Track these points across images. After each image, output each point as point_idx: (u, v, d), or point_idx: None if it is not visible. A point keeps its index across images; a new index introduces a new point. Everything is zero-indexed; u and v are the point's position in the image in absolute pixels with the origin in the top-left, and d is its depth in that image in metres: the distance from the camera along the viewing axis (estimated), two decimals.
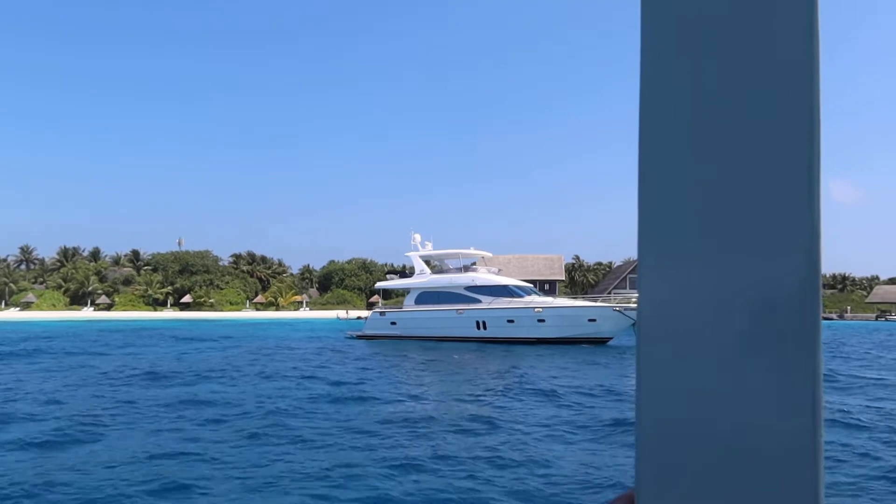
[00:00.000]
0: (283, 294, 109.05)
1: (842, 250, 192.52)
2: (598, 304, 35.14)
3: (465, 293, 37.24)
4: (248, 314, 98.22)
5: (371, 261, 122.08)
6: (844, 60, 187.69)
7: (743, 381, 0.46)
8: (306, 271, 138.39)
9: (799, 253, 0.45)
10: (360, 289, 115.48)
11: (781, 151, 0.47)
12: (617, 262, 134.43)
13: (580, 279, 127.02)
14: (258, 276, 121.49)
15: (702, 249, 0.48)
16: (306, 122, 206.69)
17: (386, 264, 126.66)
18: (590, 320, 34.06)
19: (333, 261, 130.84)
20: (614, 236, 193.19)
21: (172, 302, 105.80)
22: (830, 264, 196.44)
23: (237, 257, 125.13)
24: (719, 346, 0.47)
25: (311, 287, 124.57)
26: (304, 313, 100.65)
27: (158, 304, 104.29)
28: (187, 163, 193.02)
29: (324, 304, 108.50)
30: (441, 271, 40.65)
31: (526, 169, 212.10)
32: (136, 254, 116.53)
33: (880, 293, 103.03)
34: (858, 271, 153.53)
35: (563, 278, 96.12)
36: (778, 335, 0.45)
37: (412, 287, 39.77)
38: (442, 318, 37.30)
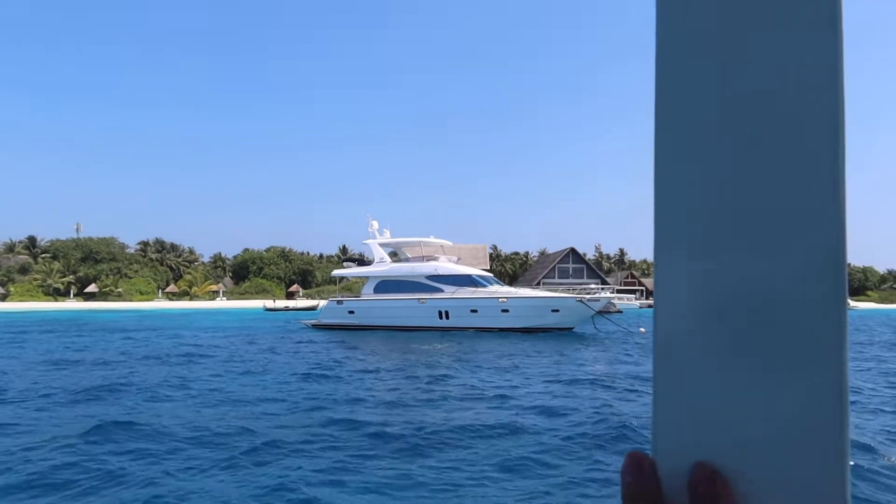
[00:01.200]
0: (198, 283, 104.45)
1: None
2: (561, 294, 35.62)
3: (426, 282, 36.80)
4: (161, 304, 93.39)
5: (290, 249, 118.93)
6: None
7: (766, 379, 0.45)
8: (218, 259, 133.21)
9: (824, 251, 0.45)
10: (279, 278, 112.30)
11: (805, 148, 0.46)
12: (532, 252, 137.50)
13: (497, 268, 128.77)
14: (168, 265, 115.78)
15: (721, 248, 0.47)
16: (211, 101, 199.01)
17: (303, 253, 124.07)
18: (553, 311, 34.51)
19: (248, 249, 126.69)
20: (522, 227, 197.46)
21: (76, 292, 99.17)
22: None
23: (145, 244, 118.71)
24: (739, 345, 0.46)
25: (225, 276, 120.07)
26: (221, 303, 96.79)
27: (60, 294, 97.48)
28: (84, 144, 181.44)
29: (242, 294, 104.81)
30: (398, 260, 40.04)
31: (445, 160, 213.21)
32: (32, 240, 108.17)
33: None
34: None
35: (488, 268, 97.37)
36: (802, 333, 0.45)
37: (371, 275, 38.87)
38: (403, 308, 36.75)
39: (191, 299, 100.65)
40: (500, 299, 35.04)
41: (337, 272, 42.65)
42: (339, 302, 39.41)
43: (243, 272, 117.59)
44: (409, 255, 40.22)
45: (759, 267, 0.46)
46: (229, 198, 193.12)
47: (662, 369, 0.47)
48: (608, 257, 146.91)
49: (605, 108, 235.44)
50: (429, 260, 38.01)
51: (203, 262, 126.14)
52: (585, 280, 79.69)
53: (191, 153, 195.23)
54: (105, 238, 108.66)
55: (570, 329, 34.99)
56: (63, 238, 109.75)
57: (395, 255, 42.40)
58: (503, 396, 12.73)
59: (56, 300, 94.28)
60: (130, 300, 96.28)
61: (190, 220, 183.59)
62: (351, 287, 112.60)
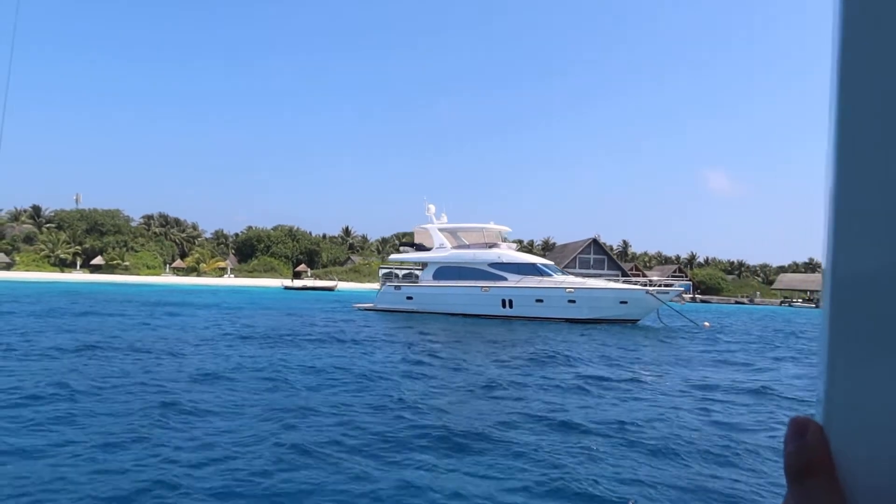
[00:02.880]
0: (206, 260, 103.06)
1: (726, 238, 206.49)
2: (630, 286, 35.14)
3: (489, 270, 36.23)
4: (171, 279, 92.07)
5: (297, 228, 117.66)
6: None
7: None
8: (221, 236, 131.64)
9: None
10: (286, 257, 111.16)
11: None
12: (537, 241, 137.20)
13: None
14: (172, 240, 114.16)
15: None
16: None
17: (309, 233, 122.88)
18: (621, 302, 34.12)
19: (252, 227, 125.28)
20: (520, 215, 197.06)
21: (81, 263, 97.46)
22: (727, 252, 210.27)
23: (148, 218, 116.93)
24: None
25: (229, 253, 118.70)
26: (231, 280, 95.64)
27: (66, 265, 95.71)
28: (85, 114, 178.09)
29: (251, 272, 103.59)
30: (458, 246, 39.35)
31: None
32: (36, 209, 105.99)
33: (785, 280, 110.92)
34: (751, 259, 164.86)
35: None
36: None
37: (430, 261, 38.22)
38: (465, 295, 36.18)
39: (198, 275, 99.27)
40: (568, 289, 34.56)
41: (395, 257, 41.89)
42: (396, 287, 38.76)
43: (248, 250, 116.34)
44: (466, 241, 39.56)
45: None
46: (224, 173, 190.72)
47: (840, 365, 0.46)
48: (610, 248, 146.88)
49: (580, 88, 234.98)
50: (490, 247, 37.38)
51: (206, 239, 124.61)
52: (606, 271, 79.63)
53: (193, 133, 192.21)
54: (110, 210, 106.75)
55: (636, 321, 34.64)
56: (65, 209, 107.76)
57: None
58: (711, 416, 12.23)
59: (62, 271, 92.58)
60: (137, 274, 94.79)
61: (185, 194, 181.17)
62: (359, 269, 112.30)
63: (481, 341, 22.59)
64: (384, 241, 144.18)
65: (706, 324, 35.07)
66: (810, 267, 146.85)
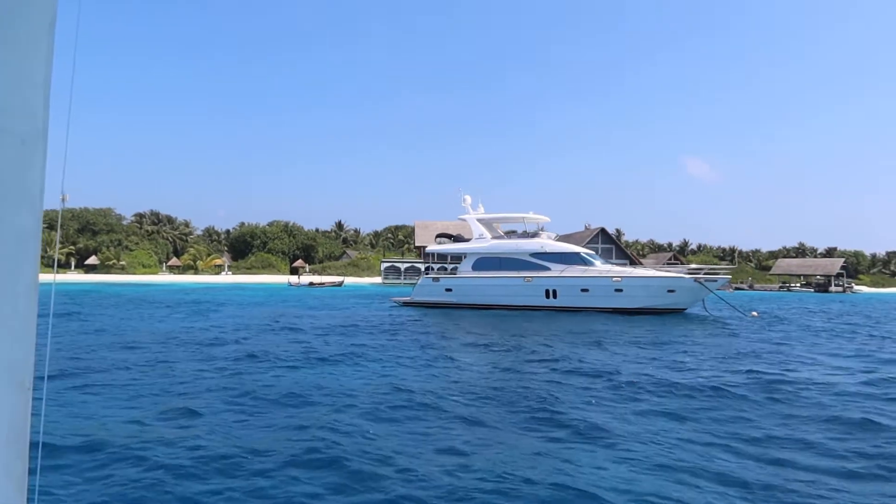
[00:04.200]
0: (202, 257, 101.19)
1: (713, 224, 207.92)
2: (678, 274, 34.56)
3: (531, 260, 35.52)
4: (169, 278, 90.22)
5: (293, 223, 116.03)
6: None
7: None
8: (213, 233, 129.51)
9: None
10: (283, 252, 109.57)
11: None
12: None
13: None
14: (165, 238, 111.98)
15: None
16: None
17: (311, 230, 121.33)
18: (669, 291, 33.58)
19: (244, 223, 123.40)
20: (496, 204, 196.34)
21: (76, 263, 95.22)
22: (717, 238, 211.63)
23: (140, 217, 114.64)
24: None
25: (223, 250, 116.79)
26: (230, 277, 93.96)
27: (60, 265, 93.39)
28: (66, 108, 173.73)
29: (248, 269, 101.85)
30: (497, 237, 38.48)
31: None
32: None
33: (783, 266, 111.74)
34: (744, 244, 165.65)
35: None
36: None
37: (469, 252, 37.39)
38: (507, 286, 35.44)
39: (195, 273, 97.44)
40: (614, 279, 33.96)
41: (432, 248, 40.91)
42: (434, 279, 37.89)
43: (242, 246, 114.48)
44: (501, 232, 38.76)
45: None
46: (206, 169, 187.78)
47: None
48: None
49: (569, 82, 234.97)
50: (531, 236, 36.66)
51: (198, 236, 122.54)
52: (615, 261, 79.10)
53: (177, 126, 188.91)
54: (101, 209, 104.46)
55: (682, 310, 34.14)
56: (55, 209, 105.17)
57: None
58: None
59: (58, 272, 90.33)
60: (134, 273, 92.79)
61: (171, 190, 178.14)
62: (357, 263, 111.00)
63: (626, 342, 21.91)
64: (377, 234, 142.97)
65: (754, 313, 34.63)
66: (801, 252, 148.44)
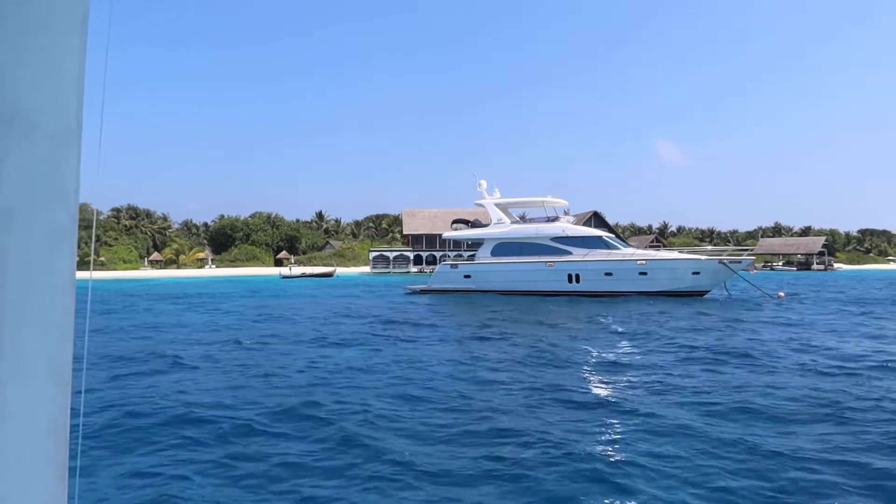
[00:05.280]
0: (185, 251, 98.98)
1: (688, 206, 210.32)
2: (703, 256, 34.31)
3: (552, 244, 34.99)
4: (152, 273, 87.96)
5: (277, 215, 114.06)
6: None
7: None
8: (191, 226, 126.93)
9: None
10: (266, 244, 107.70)
11: None
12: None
13: None
14: (143, 232, 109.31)
15: None
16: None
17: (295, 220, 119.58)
18: (694, 273, 33.32)
19: (224, 215, 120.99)
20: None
21: None
22: (694, 219, 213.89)
23: (117, 211, 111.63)
24: None
25: (204, 244, 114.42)
26: (211, 271, 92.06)
27: None
28: None
29: (232, 262, 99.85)
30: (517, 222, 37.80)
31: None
32: None
33: (765, 245, 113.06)
34: (721, 225, 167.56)
35: None
36: None
37: (487, 237, 36.71)
38: (528, 271, 34.87)
39: (178, 267, 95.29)
40: (639, 262, 33.61)
41: (449, 234, 40.06)
42: (453, 266, 37.20)
43: (222, 239, 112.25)
44: (516, 217, 38.10)
45: None
46: (180, 161, 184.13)
47: None
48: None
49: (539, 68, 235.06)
50: (550, 221, 36.09)
51: (176, 229, 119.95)
52: None
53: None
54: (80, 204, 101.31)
55: (705, 293, 33.90)
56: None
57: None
58: None
59: None
60: (115, 269, 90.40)
61: (143, 183, 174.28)
62: (343, 252, 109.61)
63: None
64: (358, 224, 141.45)
65: (781, 294, 34.56)
66: (777, 231, 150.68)
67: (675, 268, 33.34)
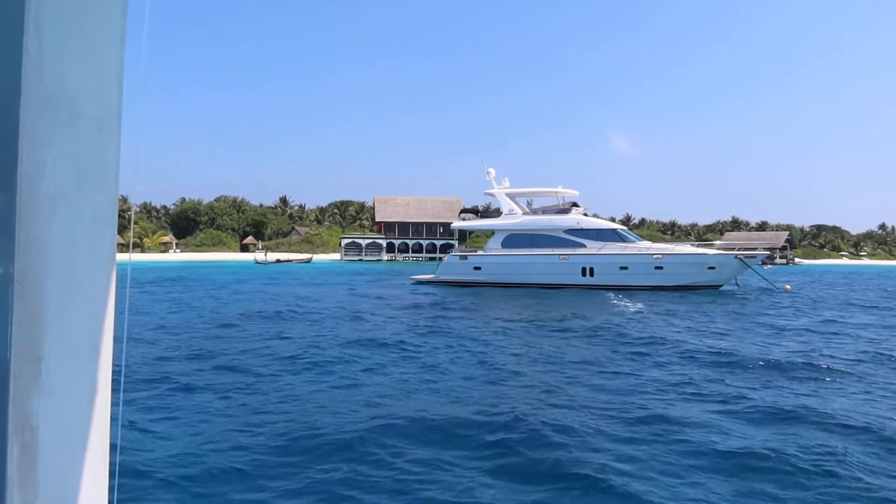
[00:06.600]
0: (149, 234, 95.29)
1: (629, 196, 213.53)
2: (719, 251, 34.10)
3: (565, 237, 34.24)
4: (118, 257, 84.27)
5: (242, 199, 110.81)
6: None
7: None
8: (151, 209, 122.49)
9: None
10: (232, 229, 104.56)
11: None
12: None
13: None
14: None
15: None
16: None
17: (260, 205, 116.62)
18: (709, 268, 33.10)
19: (186, 198, 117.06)
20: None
21: None
22: (656, 212, 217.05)
23: None
24: None
25: (167, 227, 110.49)
26: (176, 255, 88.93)
27: None
28: None
29: (198, 246, 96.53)
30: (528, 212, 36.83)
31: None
32: None
33: (731, 238, 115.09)
34: (682, 218, 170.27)
35: None
36: None
37: (498, 228, 35.69)
38: (541, 264, 34.08)
39: (142, 251, 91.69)
40: (655, 256, 33.20)
41: (458, 224, 38.87)
42: (462, 257, 36.10)
43: (185, 223, 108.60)
44: (528, 208, 37.11)
45: None
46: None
47: None
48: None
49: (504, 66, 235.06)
50: (562, 212, 35.30)
51: (136, 213, 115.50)
52: None
53: None
54: None
55: (718, 287, 33.73)
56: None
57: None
58: None
59: None
60: None
61: None
62: (311, 239, 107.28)
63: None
64: (322, 210, 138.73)
65: (787, 287, 34.66)
66: (736, 225, 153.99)
67: (691, 262, 33.07)
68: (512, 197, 37.15)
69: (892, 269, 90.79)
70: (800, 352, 13.16)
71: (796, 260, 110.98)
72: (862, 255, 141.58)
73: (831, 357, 12.41)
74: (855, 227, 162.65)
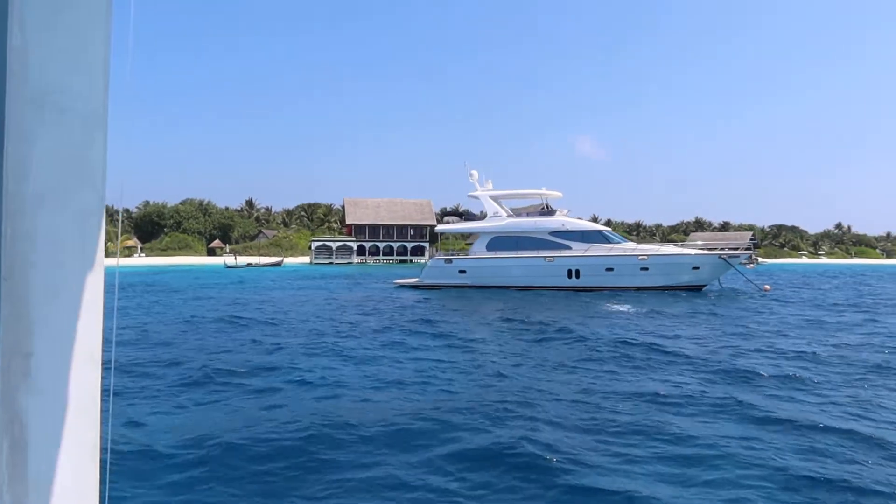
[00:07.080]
0: (112, 238, 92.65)
1: (598, 200, 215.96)
2: (704, 251, 34.38)
3: (550, 239, 34.18)
4: None
5: (209, 202, 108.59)
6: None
7: None
8: (112, 212, 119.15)
9: None
10: (199, 232, 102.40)
11: None
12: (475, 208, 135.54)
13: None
14: None
15: None
16: None
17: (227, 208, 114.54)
18: (694, 268, 33.37)
19: (149, 202, 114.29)
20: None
21: None
22: (621, 213, 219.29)
23: None
24: None
25: (130, 231, 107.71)
26: (142, 260, 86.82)
27: None
28: None
29: (163, 250, 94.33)
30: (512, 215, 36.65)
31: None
32: None
33: (695, 239, 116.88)
34: (647, 220, 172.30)
35: (434, 223, 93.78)
36: None
37: (483, 231, 35.43)
38: (527, 266, 33.95)
39: (105, 256, 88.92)
40: (640, 257, 33.35)
41: (442, 228, 38.41)
42: (447, 261, 35.72)
43: (149, 227, 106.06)
44: (511, 210, 36.92)
45: None
46: None
47: None
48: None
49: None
50: (545, 214, 35.20)
51: (122, 209, 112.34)
52: None
53: None
54: None
55: (702, 287, 34.03)
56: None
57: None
58: None
59: None
60: None
61: None
62: (279, 242, 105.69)
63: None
64: (289, 213, 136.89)
65: (767, 287, 35.13)
66: (699, 225, 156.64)
67: (676, 263, 33.31)
68: (496, 199, 36.96)
69: (860, 267, 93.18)
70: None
71: (759, 260, 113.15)
72: (821, 255, 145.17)
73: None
74: (812, 227, 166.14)
